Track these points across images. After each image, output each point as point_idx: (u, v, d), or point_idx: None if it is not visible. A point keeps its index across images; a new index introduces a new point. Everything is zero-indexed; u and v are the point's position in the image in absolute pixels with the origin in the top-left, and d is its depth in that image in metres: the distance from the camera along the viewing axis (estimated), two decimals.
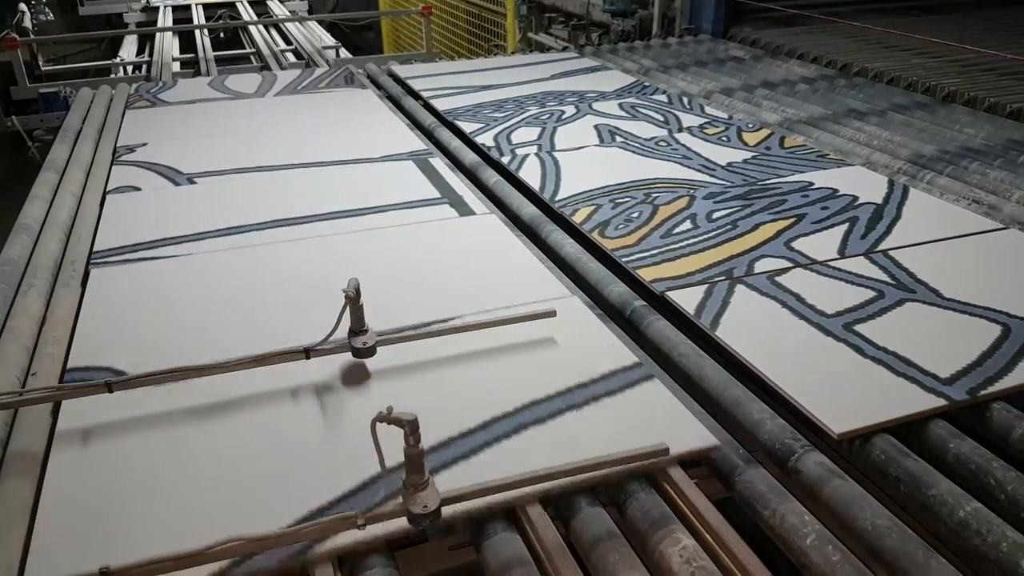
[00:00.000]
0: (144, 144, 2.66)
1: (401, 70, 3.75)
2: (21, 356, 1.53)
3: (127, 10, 6.71)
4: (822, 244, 1.92)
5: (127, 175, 2.40)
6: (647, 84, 3.39)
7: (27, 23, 5.41)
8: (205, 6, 6.31)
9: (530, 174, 2.42)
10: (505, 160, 2.54)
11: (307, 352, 1.43)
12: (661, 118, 2.91)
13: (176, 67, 4.41)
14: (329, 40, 5.13)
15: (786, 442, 1.25)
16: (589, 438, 1.26)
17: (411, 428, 1.03)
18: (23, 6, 5.67)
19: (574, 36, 5.04)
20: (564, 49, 4.48)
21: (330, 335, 1.45)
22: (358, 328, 1.46)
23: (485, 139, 2.74)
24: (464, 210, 2.14)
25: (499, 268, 1.84)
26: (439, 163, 2.48)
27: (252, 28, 5.32)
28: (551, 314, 1.59)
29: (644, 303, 1.68)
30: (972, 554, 1.09)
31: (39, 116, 3.60)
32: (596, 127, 2.83)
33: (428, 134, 2.90)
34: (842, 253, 1.88)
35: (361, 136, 2.75)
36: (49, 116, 3.54)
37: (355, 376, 1.45)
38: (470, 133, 2.82)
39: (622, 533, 1.11)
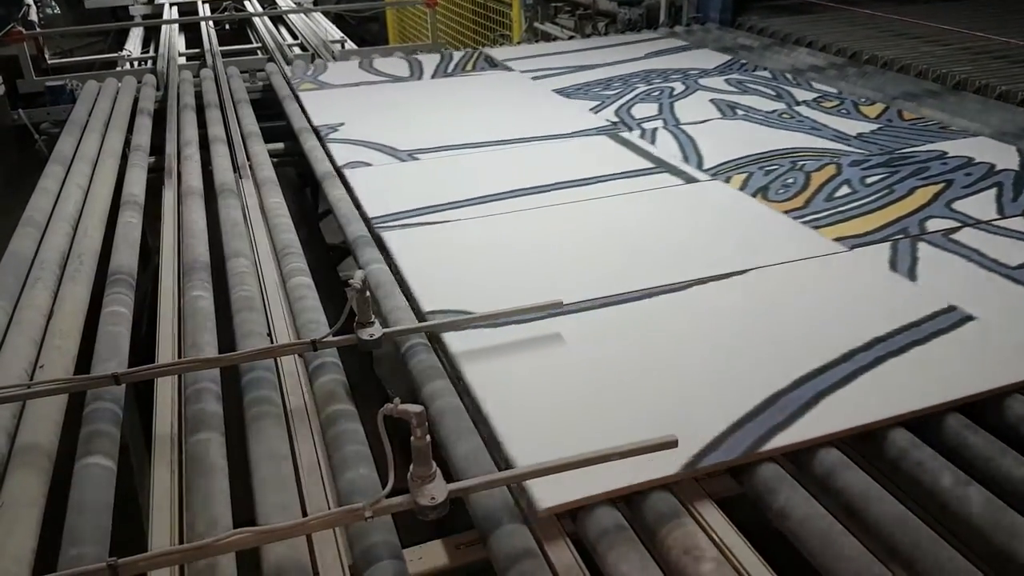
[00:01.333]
0: (342, 123, 2.83)
1: (497, 52, 3.90)
2: (29, 349, 1.53)
3: (133, 3, 6.69)
4: (980, 206, 2.04)
5: (347, 152, 2.56)
6: (744, 62, 3.49)
7: (33, 16, 5.40)
8: (211, 3, 6.29)
9: (666, 147, 2.53)
10: (635, 135, 2.66)
11: (314, 344, 1.42)
12: (773, 93, 3.06)
13: (182, 61, 4.40)
14: (335, 33, 5.11)
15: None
16: (942, 368, 1.38)
17: (418, 420, 1.03)
18: None
19: (580, 25, 5.00)
20: (571, 38, 4.45)
21: (337, 327, 1.45)
22: (365, 320, 1.45)
23: (607, 114, 2.88)
24: (687, 177, 2.28)
25: (750, 228, 1.98)
26: (634, 136, 2.63)
27: (257, 21, 5.30)
28: (558, 305, 1.59)
29: None
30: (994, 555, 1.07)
31: (46, 109, 3.59)
32: (712, 102, 2.96)
33: None
34: (1002, 213, 2.00)
35: (539, 114, 2.92)
36: (56, 109, 3.53)
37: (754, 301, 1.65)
38: (590, 109, 2.93)
39: (630, 526, 1.10)
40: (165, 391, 1.41)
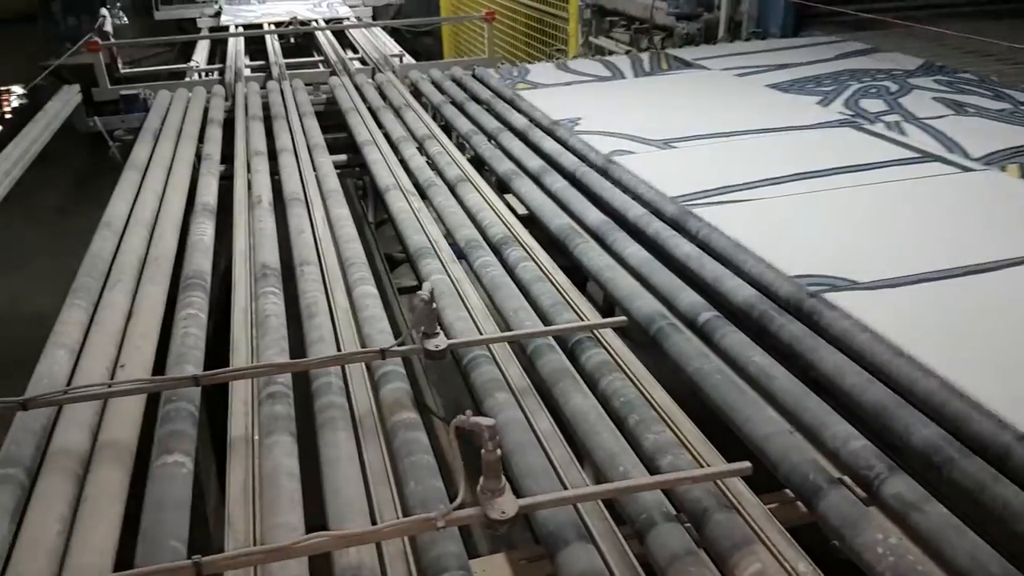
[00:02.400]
0: (580, 118, 2.93)
1: (686, 53, 4.00)
2: (110, 348, 1.60)
3: (200, 15, 6.95)
4: None
5: (602, 142, 2.65)
6: (942, 64, 3.51)
7: (108, 27, 5.65)
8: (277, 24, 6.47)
9: (920, 138, 2.57)
10: (879, 127, 2.69)
11: (383, 352, 1.45)
12: (990, 93, 3.08)
13: (247, 73, 4.54)
14: (395, 48, 5.21)
15: (871, 462, 1.21)
16: None
17: (490, 434, 1.03)
18: (104, 10, 5.92)
19: (636, 39, 4.99)
20: (627, 53, 4.45)
21: (404, 337, 1.47)
22: (431, 331, 1.47)
23: (836, 108, 2.93)
24: (961, 167, 2.31)
25: None
26: (880, 129, 2.67)
27: (320, 35, 5.44)
28: (622, 322, 1.58)
29: None
30: None
31: (120, 117, 3.74)
32: (934, 100, 2.99)
33: None
34: None
35: (765, 106, 2.97)
36: (130, 117, 3.68)
37: None
38: (817, 103, 3.01)
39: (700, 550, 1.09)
40: (239, 394, 1.45)
